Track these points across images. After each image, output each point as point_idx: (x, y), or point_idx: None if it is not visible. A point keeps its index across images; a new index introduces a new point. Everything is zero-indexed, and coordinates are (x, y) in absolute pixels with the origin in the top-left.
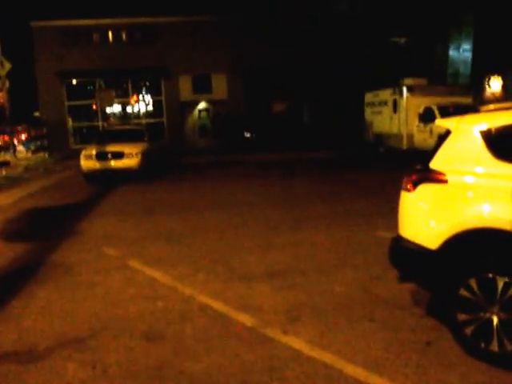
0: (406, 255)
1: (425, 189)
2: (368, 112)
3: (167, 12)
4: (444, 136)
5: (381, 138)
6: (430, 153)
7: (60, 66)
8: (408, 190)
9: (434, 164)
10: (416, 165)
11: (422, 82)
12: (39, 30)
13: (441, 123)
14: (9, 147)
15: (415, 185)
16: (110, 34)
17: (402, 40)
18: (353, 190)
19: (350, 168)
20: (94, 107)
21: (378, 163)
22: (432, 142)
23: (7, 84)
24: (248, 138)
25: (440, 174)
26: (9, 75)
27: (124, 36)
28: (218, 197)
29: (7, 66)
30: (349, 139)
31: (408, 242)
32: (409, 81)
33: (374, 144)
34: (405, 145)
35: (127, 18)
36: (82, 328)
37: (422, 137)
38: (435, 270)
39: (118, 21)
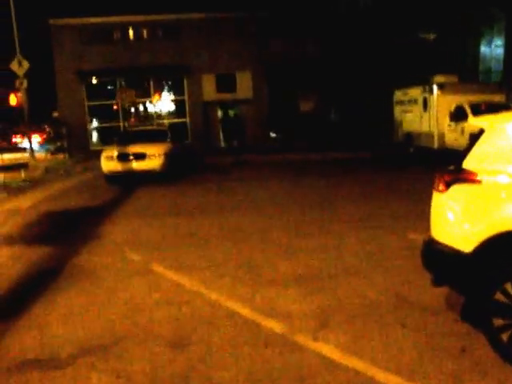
0: (439, 258)
1: (457, 189)
2: (397, 110)
3: (190, 8)
4: (477, 135)
5: (411, 137)
6: (463, 152)
7: (79, 64)
8: (440, 191)
9: (466, 164)
10: (448, 165)
11: (453, 79)
12: (58, 28)
13: (474, 122)
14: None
15: (447, 185)
16: (131, 31)
17: (432, 36)
18: (382, 191)
19: (379, 168)
20: (115, 107)
21: (408, 163)
22: (463, 141)
23: (25, 84)
24: (274, 137)
25: (473, 174)
26: (27, 74)
27: (145, 33)
28: (243, 198)
29: (25, 65)
30: (378, 138)
31: (441, 244)
32: (439, 78)
33: (403, 143)
34: (436, 144)
35: (148, 15)
36: (105, 335)
37: (453, 136)
38: (469, 274)
39: (138, 18)
